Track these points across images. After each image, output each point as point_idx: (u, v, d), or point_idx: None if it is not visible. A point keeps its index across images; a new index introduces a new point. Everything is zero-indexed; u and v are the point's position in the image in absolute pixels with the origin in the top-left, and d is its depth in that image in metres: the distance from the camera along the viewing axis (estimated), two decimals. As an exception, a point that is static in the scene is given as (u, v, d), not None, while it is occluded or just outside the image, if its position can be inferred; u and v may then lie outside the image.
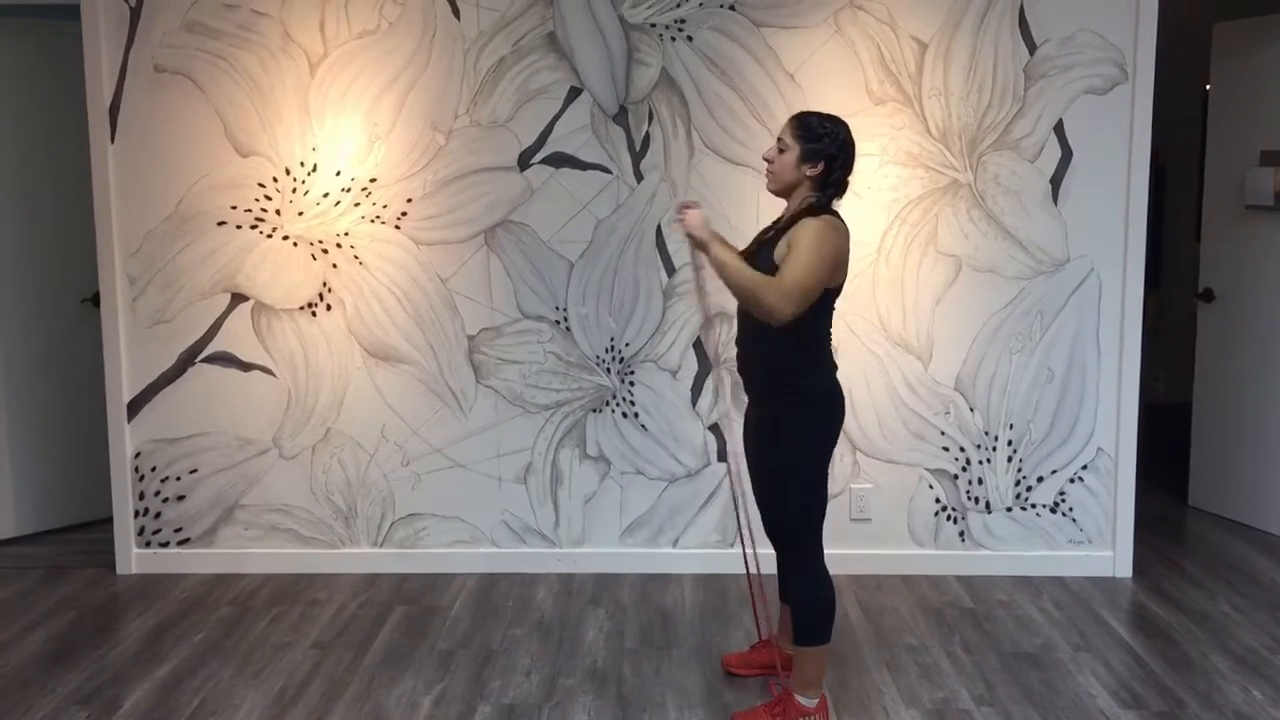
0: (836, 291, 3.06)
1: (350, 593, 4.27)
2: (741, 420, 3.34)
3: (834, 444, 3.14)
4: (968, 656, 3.70)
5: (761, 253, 3.07)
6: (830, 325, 3.11)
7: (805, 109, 3.22)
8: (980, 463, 4.39)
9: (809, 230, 2.95)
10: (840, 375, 3.15)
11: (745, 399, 3.24)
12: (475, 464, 4.43)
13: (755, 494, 3.23)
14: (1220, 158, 5.08)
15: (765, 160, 3.13)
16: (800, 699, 3.16)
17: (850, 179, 3.10)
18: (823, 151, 3.02)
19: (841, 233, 3.00)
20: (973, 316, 4.32)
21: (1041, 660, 3.67)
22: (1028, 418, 4.37)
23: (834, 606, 3.16)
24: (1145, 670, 3.60)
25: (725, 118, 4.25)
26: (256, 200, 4.31)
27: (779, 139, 3.09)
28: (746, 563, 3.54)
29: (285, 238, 4.33)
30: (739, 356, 3.19)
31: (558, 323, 4.36)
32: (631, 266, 4.32)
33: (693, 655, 3.71)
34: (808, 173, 3.04)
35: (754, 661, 3.54)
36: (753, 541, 3.51)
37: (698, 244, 3.05)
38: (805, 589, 3.13)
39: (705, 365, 4.36)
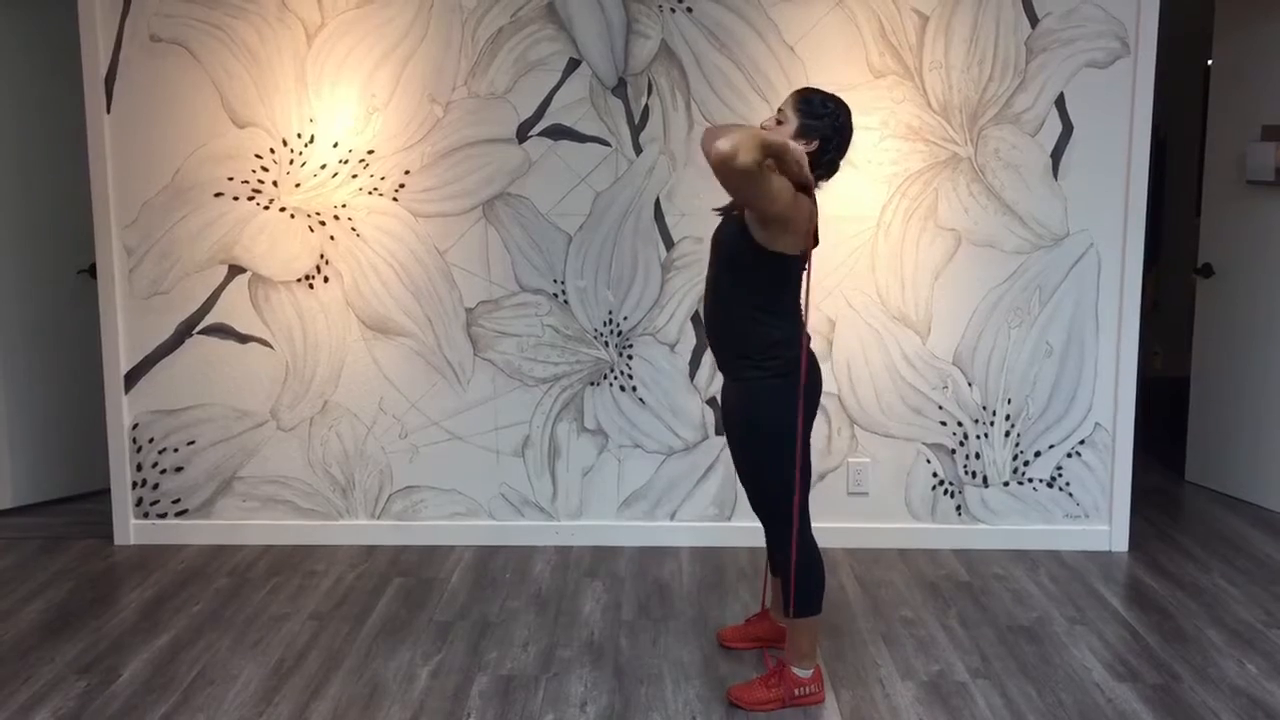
0: (800, 262, 3.03)
1: (348, 564, 4.28)
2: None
3: (814, 414, 3.14)
4: (964, 630, 3.71)
5: (729, 229, 3.04)
6: (799, 295, 3.08)
7: (807, 84, 3.19)
8: (978, 437, 4.40)
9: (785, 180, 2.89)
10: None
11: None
12: (473, 436, 4.43)
13: (738, 470, 3.23)
14: (1221, 132, 5.05)
15: (762, 129, 3.10)
16: (795, 670, 3.18)
17: (840, 163, 3.06)
18: (819, 130, 3.00)
19: (812, 202, 2.96)
20: (972, 291, 4.32)
21: (1037, 633, 3.68)
22: (1025, 392, 4.37)
23: (823, 577, 3.17)
24: (1140, 644, 3.61)
25: (725, 90, 4.22)
26: (254, 172, 4.29)
27: (779, 109, 3.06)
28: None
29: (283, 209, 4.31)
30: (709, 332, 3.16)
31: (556, 296, 4.35)
32: (630, 240, 4.31)
33: (690, 628, 3.73)
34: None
35: (750, 634, 3.56)
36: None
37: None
38: (794, 561, 3.14)
39: (703, 339, 4.35)
